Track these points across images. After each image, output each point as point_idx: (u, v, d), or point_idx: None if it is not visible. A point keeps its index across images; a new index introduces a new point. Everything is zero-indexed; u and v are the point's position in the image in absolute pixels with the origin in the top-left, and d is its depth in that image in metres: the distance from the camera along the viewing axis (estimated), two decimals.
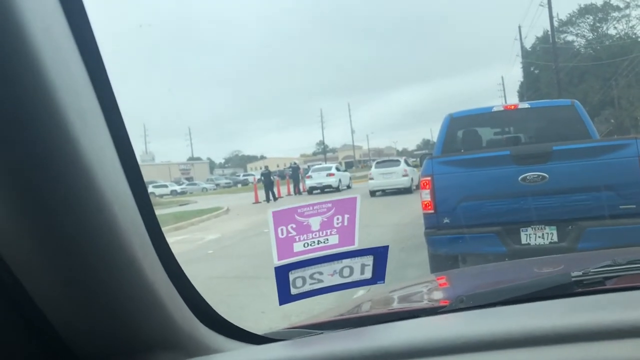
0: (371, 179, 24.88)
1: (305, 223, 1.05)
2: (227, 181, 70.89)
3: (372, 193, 24.37)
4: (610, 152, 5.54)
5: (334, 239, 1.08)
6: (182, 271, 0.94)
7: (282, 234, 1.05)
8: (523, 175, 5.56)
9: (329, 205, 1.07)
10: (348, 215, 1.08)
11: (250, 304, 6.54)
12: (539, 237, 5.64)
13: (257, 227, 14.74)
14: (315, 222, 1.06)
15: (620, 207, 5.32)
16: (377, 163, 26.67)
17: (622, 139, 7.55)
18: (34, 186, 0.60)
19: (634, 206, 5.30)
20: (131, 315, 0.78)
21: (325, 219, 1.07)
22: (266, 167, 30.98)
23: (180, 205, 30.19)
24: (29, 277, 0.69)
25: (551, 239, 5.60)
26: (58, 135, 0.59)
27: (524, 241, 5.66)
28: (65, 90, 0.59)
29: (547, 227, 5.61)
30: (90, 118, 0.66)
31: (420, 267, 7.12)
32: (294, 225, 1.05)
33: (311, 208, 1.06)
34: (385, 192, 24.56)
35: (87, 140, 0.62)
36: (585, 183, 5.46)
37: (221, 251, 11.80)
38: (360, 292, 2.67)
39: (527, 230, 5.66)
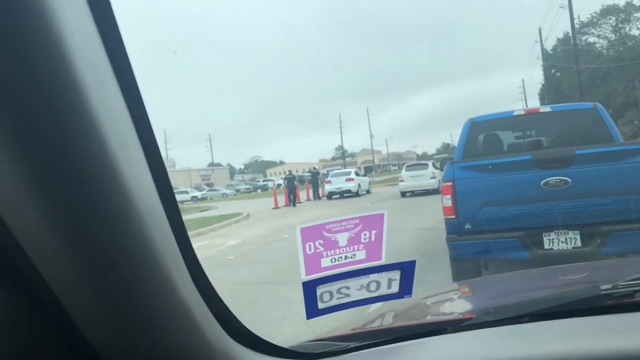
0: (401, 181, 26.73)
1: (332, 239, 1.06)
2: (247, 187, 71.34)
3: (403, 194, 26.14)
4: (635, 156, 5.49)
5: (361, 254, 1.09)
6: (210, 284, 0.94)
7: (310, 250, 1.06)
8: (545, 180, 5.53)
9: (357, 221, 1.08)
10: (375, 231, 1.09)
11: (272, 310, 6.55)
12: (562, 242, 5.57)
13: (277, 233, 14.82)
14: (342, 238, 1.07)
15: None
16: (407, 166, 28.33)
17: None
18: (73, 197, 0.61)
19: None
20: (165, 331, 0.78)
21: (353, 235, 1.08)
22: (289, 172, 31.31)
23: (201, 211, 30.35)
24: (69, 297, 0.70)
25: (575, 244, 5.52)
26: (91, 137, 0.59)
27: (546, 246, 5.60)
28: (97, 90, 0.60)
29: (570, 232, 5.55)
30: (121, 125, 0.66)
31: (442, 271, 7.09)
32: (321, 241, 1.06)
33: (339, 224, 1.07)
34: (414, 193, 25.98)
35: (121, 151, 0.62)
36: (609, 187, 5.42)
37: (242, 257, 11.84)
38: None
39: (550, 235, 5.60)
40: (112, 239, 0.65)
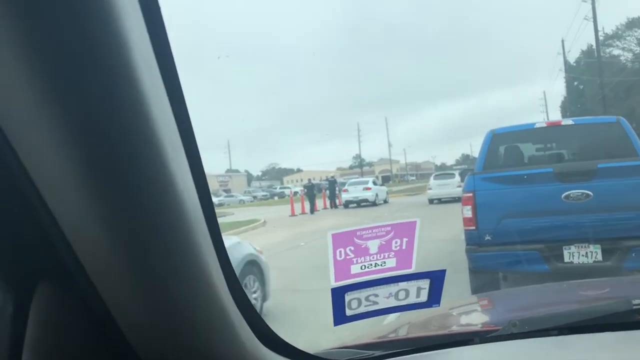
0: (430, 189, 28.36)
1: (363, 246, 1.07)
2: (264, 193, 71.40)
3: (431, 201, 27.48)
4: None
5: (391, 262, 1.09)
6: (241, 288, 0.96)
7: (340, 256, 1.06)
8: (567, 193, 5.57)
9: (388, 228, 1.08)
10: (407, 239, 1.09)
11: (288, 318, 6.54)
12: (583, 255, 5.56)
13: (294, 240, 14.77)
14: (373, 245, 1.07)
15: None
16: (435, 175, 29.94)
17: None
18: (125, 194, 0.62)
19: None
20: (205, 334, 0.79)
21: (384, 242, 1.07)
22: (309, 180, 31.51)
23: (218, 217, 30.25)
24: (110, 291, 0.71)
25: (595, 258, 5.50)
26: (149, 140, 0.61)
27: (567, 259, 5.57)
28: (154, 96, 0.61)
29: (591, 246, 5.51)
30: (173, 131, 0.68)
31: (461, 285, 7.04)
32: (352, 248, 1.06)
33: (370, 231, 1.07)
34: (440, 201, 27.11)
35: (170, 148, 0.64)
36: (631, 201, 5.42)
37: None
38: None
39: (570, 249, 5.57)
40: (159, 241, 0.67)
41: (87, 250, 0.66)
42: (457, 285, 6.42)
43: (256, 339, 0.97)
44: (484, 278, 6.17)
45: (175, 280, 0.71)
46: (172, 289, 0.71)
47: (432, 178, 29.51)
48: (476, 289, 6.15)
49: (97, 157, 0.59)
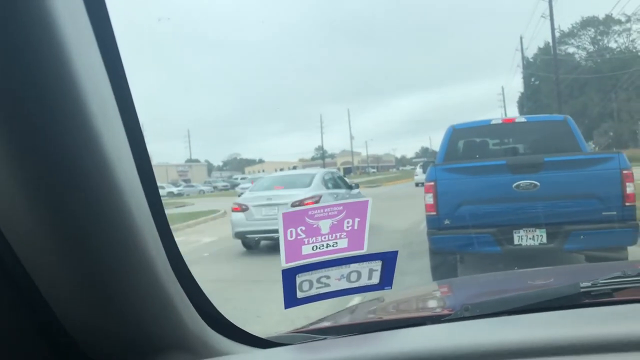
0: (416, 175, 33.70)
1: (315, 226, 1.04)
2: (225, 184, 70.75)
3: (417, 184, 30.87)
4: (596, 165, 6.20)
5: (343, 243, 1.07)
6: (190, 273, 0.93)
7: (292, 236, 1.03)
8: (517, 183, 6.16)
9: (340, 208, 1.05)
10: (359, 219, 1.06)
11: (245, 307, 6.53)
12: (530, 238, 6.18)
13: None
14: (325, 225, 1.04)
15: (603, 213, 5.92)
16: (421, 165, 32.06)
17: (606, 152, 8.99)
18: (56, 182, 0.59)
19: (615, 213, 5.91)
20: (145, 317, 0.77)
21: (336, 222, 1.05)
22: (281, 169, 31.41)
23: (177, 207, 29.83)
24: (44, 278, 0.68)
25: (541, 241, 6.14)
26: (83, 130, 0.58)
27: (516, 242, 6.20)
28: (90, 83, 0.58)
29: (537, 230, 6.15)
30: (110, 114, 0.65)
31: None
32: (303, 228, 1.03)
33: (322, 210, 1.04)
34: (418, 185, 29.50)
35: (109, 136, 0.61)
36: (572, 191, 6.07)
37: (216, 254, 11.70)
38: (356, 298, 2.65)
39: (519, 232, 6.20)
40: (95, 222, 0.64)
41: (21, 241, 0.63)
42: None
43: (204, 322, 0.94)
44: (442, 259, 6.81)
45: (114, 266, 0.69)
46: (110, 276, 0.69)
47: (418, 167, 33.44)
48: (435, 269, 6.80)
49: (25, 150, 0.56)
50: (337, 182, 13.51)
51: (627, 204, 5.90)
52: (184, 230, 17.19)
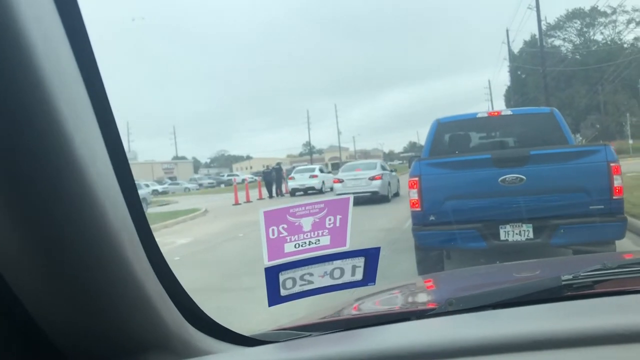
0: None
1: (297, 223, 1.04)
2: (211, 181, 70.02)
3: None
4: (582, 157, 6.06)
5: (325, 240, 1.07)
6: (170, 271, 0.92)
7: (273, 234, 1.03)
8: (503, 177, 6.03)
9: (322, 205, 1.05)
10: (340, 216, 1.07)
11: (229, 306, 6.37)
12: (517, 233, 6.07)
13: (233, 231, 14.06)
14: (307, 223, 1.05)
15: (590, 207, 5.82)
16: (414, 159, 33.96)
17: (592, 145, 8.62)
18: (25, 179, 0.58)
19: (602, 206, 5.80)
20: (122, 315, 0.76)
21: (317, 220, 1.05)
22: (267, 166, 31.50)
23: (160, 205, 28.86)
24: (17, 277, 0.67)
25: (527, 236, 6.04)
26: (52, 128, 0.57)
27: (502, 237, 6.10)
28: (58, 82, 0.57)
29: (524, 225, 6.05)
30: (82, 112, 0.64)
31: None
32: (285, 226, 1.03)
33: (303, 208, 1.04)
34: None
35: (79, 134, 0.61)
36: (559, 185, 5.96)
37: (189, 258, 10.81)
38: (340, 295, 2.62)
39: (505, 228, 6.10)
40: (63, 211, 0.63)
41: None
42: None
43: (185, 320, 0.94)
44: (428, 255, 6.72)
45: (89, 266, 0.68)
46: (85, 276, 0.68)
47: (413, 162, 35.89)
48: (421, 265, 6.71)
49: None
50: (385, 168, 23.29)
51: (614, 197, 5.78)
52: (161, 231, 16.02)
